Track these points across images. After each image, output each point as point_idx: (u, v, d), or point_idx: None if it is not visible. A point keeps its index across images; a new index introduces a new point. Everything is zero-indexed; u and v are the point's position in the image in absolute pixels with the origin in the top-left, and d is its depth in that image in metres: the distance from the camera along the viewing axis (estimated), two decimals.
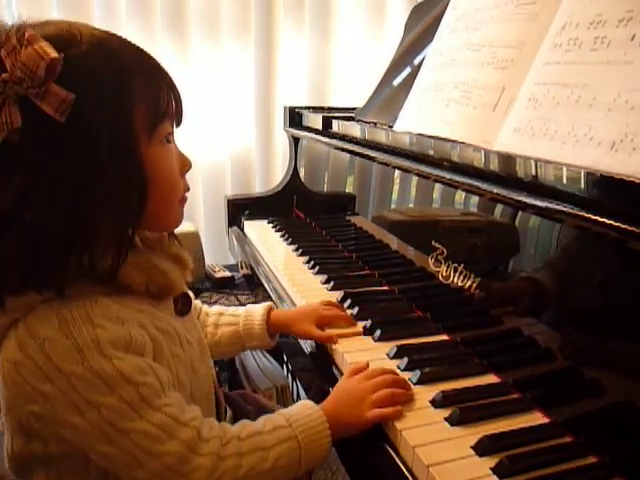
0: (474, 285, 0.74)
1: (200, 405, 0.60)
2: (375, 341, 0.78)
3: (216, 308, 0.85)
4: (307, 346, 0.84)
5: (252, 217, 1.44)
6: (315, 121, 1.35)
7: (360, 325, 0.81)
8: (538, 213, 0.63)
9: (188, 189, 0.63)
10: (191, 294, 0.73)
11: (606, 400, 0.56)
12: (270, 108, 1.66)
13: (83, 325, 0.50)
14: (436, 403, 0.62)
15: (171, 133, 0.58)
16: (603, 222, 0.53)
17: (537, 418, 0.60)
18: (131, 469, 0.52)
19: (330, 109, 1.49)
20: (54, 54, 0.47)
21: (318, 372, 0.79)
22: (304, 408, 0.61)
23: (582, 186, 0.58)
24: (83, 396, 0.50)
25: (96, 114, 0.50)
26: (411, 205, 1.01)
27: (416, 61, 1.09)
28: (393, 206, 1.06)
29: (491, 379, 0.68)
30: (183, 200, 0.62)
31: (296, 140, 1.47)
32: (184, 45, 1.54)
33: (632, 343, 0.54)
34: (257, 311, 0.82)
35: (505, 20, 0.78)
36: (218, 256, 1.66)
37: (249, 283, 1.44)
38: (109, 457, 0.52)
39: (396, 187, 1.04)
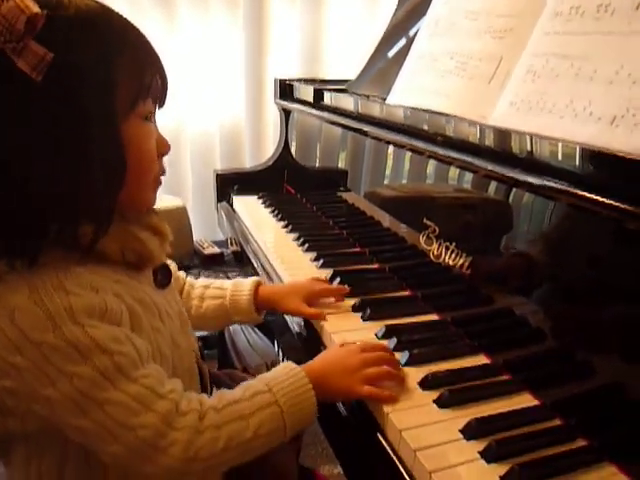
0: (466, 264, 0.72)
1: (183, 380, 0.58)
2: (364, 320, 0.76)
3: (202, 281, 0.83)
4: (295, 325, 0.82)
5: (241, 192, 1.41)
6: (306, 93, 1.31)
7: (349, 302, 0.79)
8: (532, 190, 0.61)
9: (163, 172, 0.61)
10: (174, 265, 0.72)
11: (596, 382, 0.55)
12: (261, 79, 1.61)
13: (55, 292, 0.48)
14: (424, 385, 0.61)
15: (152, 112, 0.57)
16: (600, 201, 0.51)
17: (527, 400, 0.59)
18: (105, 443, 0.50)
19: (322, 81, 1.44)
20: (36, 9, 0.45)
21: (306, 351, 0.78)
22: (285, 370, 0.59)
23: (579, 163, 0.56)
24: (55, 366, 0.48)
25: (75, 79, 0.48)
26: (404, 181, 0.99)
27: (410, 32, 1.05)
28: (385, 182, 1.03)
29: (481, 360, 0.67)
30: (157, 182, 0.60)
31: (287, 113, 1.43)
32: (171, 13, 1.48)
33: (624, 324, 0.53)
34: (245, 285, 0.80)
35: None
36: (207, 231, 1.63)
37: (238, 260, 1.42)
38: (83, 430, 0.50)
39: (389, 162, 1.01)
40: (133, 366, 0.51)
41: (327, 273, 0.90)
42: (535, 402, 0.59)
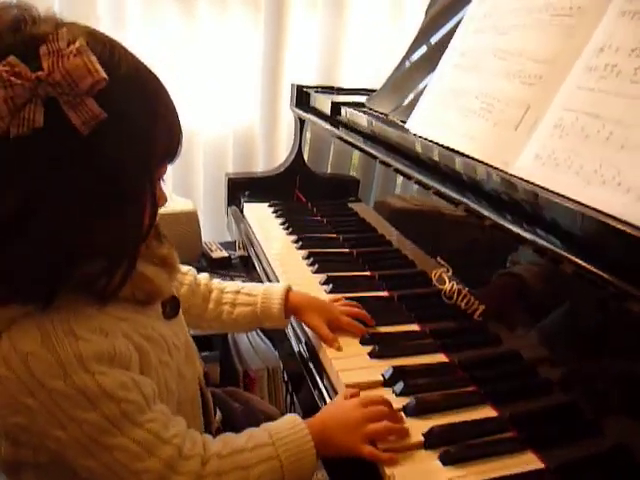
0: (478, 311, 0.72)
1: (186, 408, 0.60)
2: (372, 358, 0.76)
3: (232, 285, 0.84)
4: (296, 344, 0.84)
5: (253, 198, 1.40)
6: (323, 103, 1.29)
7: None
8: (538, 250, 0.61)
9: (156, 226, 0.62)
10: (193, 271, 0.77)
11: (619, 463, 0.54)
12: (277, 84, 1.58)
13: (66, 338, 0.50)
14: (429, 441, 0.61)
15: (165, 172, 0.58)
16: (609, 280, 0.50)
17: (531, 460, 0.59)
18: None
19: (340, 90, 1.42)
20: (103, 75, 0.46)
21: (304, 364, 0.79)
22: (289, 425, 0.60)
23: (600, 234, 0.54)
24: (65, 411, 0.50)
25: (121, 141, 0.49)
26: (414, 195, 0.96)
27: (436, 53, 1.02)
28: (396, 195, 1.01)
29: (488, 412, 0.66)
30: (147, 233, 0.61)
31: (302, 121, 1.41)
32: (191, 13, 1.45)
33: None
34: (276, 292, 0.81)
35: (538, 29, 0.72)
36: (216, 232, 1.62)
37: (245, 265, 1.42)
38: (91, 470, 0.53)
39: (400, 179, 1.00)
40: (139, 411, 0.53)
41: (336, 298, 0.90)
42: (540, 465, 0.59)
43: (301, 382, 0.80)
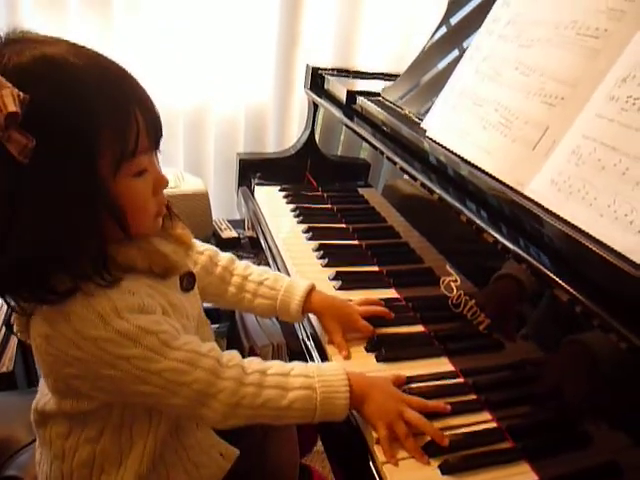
0: (484, 324, 0.74)
1: None
2: (378, 362, 0.79)
3: (256, 275, 0.86)
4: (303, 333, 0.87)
5: (264, 180, 1.40)
6: (338, 89, 1.27)
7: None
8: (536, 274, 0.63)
9: (165, 203, 0.65)
10: (213, 249, 0.83)
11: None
12: (291, 62, 1.55)
13: (101, 298, 0.57)
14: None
15: (145, 168, 0.59)
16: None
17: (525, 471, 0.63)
18: (168, 399, 0.60)
19: (355, 74, 1.40)
20: (12, 108, 0.47)
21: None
22: (333, 370, 0.67)
23: (603, 270, 0.56)
24: (112, 353, 0.57)
25: (57, 158, 0.52)
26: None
27: (457, 51, 1.01)
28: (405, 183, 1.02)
29: (490, 424, 0.70)
30: (159, 214, 0.65)
31: (315, 105, 1.40)
32: None
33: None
34: (297, 290, 0.84)
35: (562, 48, 0.71)
36: (225, 209, 1.64)
37: (253, 246, 1.44)
38: (147, 394, 0.60)
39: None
40: (174, 338, 0.60)
41: (344, 295, 0.92)
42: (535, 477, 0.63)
43: (303, 360, 0.84)
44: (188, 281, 0.70)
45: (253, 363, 0.65)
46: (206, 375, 0.61)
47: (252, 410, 0.63)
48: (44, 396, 0.66)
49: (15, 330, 0.64)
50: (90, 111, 0.53)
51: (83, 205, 0.54)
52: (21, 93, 0.48)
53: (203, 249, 0.85)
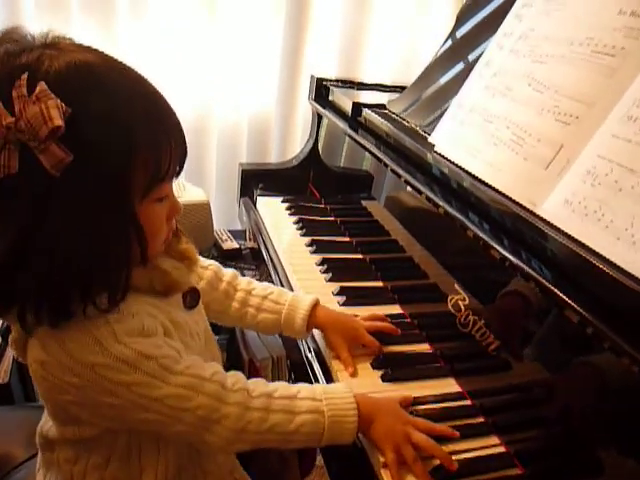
0: (492, 346, 0.72)
1: None
2: (384, 382, 0.77)
3: (260, 289, 0.84)
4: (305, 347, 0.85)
5: (266, 191, 1.39)
6: (343, 101, 1.26)
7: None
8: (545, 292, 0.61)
9: (174, 230, 0.65)
10: (215, 264, 0.81)
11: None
12: (295, 72, 1.55)
13: (99, 321, 0.54)
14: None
15: (167, 194, 0.58)
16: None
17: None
18: (171, 426, 0.58)
19: (360, 85, 1.39)
20: (58, 122, 0.47)
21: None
22: (341, 392, 0.65)
23: (619, 295, 0.55)
24: (111, 380, 0.54)
25: (93, 176, 0.50)
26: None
27: (467, 66, 1.00)
28: (408, 196, 1.01)
29: (498, 448, 0.68)
30: (167, 240, 0.64)
31: (319, 116, 1.39)
32: None
33: None
34: (302, 305, 0.82)
35: (577, 65, 0.70)
36: (226, 219, 1.62)
37: (255, 257, 1.43)
38: (149, 421, 0.57)
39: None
40: (175, 362, 0.58)
41: (348, 310, 0.90)
42: None
43: (305, 374, 0.83)
44: (192, 298, 0.67)
45: (258, 385, 0.63)
46: (210, 400, 0.58)
47: (258, 435, 0.61)
48: (48, 421, 0.64)
49: (12, 350, 0.62)
50: (131, 135, 0.51)
51: (114, 226, 0.53)
52: (64, 105, 0.47)
53: (207, 264, 0.84)
